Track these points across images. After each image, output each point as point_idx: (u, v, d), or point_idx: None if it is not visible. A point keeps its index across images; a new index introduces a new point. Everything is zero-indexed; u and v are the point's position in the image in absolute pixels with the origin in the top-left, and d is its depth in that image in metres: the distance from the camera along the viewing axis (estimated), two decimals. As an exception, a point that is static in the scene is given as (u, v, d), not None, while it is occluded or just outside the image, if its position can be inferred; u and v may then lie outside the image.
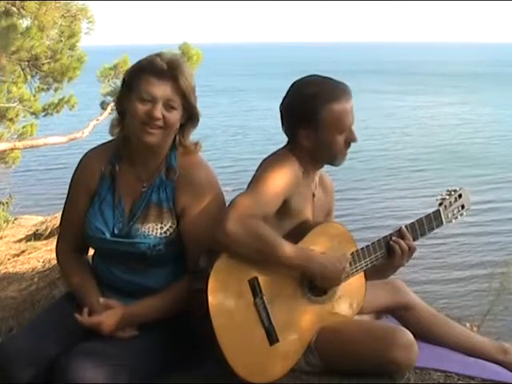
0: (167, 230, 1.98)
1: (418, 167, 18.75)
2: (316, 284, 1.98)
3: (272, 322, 1.90)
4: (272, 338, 1.90)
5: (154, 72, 1.91)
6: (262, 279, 1.89)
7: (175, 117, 1.94)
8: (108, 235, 2.00)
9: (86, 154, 2.11)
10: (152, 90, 1.90)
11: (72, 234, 2.12)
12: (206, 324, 1.81)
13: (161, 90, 1.90)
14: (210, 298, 1.80)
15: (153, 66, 1.92)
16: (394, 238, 2.13)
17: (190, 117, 2.02)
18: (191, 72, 1.98)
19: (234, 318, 1.85)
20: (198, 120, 2.04)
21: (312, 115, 2.02)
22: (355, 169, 16.66)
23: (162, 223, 1.98)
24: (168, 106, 1.92)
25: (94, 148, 2.13)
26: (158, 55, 1.95)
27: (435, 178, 16.51)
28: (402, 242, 2.12)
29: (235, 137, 24.71)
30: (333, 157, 2.10)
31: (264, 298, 1.89)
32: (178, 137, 2.02)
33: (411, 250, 2.13)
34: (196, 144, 2.07)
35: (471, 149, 22.09)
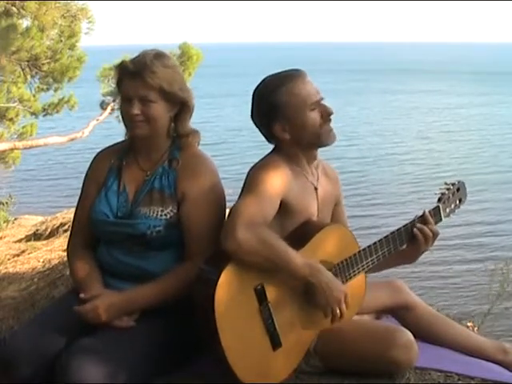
0: (168, 213, 2.04)
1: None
2: (312, 296, 1.93)
3: (277, 328, 1.90)
4: (276, 343, 1.90)
5: (127, 75, 2.03)
6: (267, 286, 1.89)
7: (155, 109, 2.03)
8: (111, 217, 2.07)
9: (99, 152, 2.24)
10: (126, 91, 2.04)
11: (83, 230, 2.18)
12: (210, 325, 1.80)
13: (132, 89, 2.02)
14: (217, 304, 1.79)
15: (124, 70, 2.04)
16: (417, 225, 2.15)
17: (181, 105, 2.09)
18: (168, 64, 2.04)
19: (239, 324, 1.84)
20: (189, 107, 2.11)
21: (275, 106, 2.05)
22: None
23: (163, 207, 2.04)
24: (145, 101, 2.01)
25: (106, 147, 2.25)
26: (130, 59, 2.06)
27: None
28: (425, 227, 2.15)
29: (247, 140, 24.26)
30: (316, 135, 2.08)
31: (269, 304, 1.89)
32: (174, 126, 2.10)
33: (434, 234, 2.16)
34: (193, 132, 2.14)
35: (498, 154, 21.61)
